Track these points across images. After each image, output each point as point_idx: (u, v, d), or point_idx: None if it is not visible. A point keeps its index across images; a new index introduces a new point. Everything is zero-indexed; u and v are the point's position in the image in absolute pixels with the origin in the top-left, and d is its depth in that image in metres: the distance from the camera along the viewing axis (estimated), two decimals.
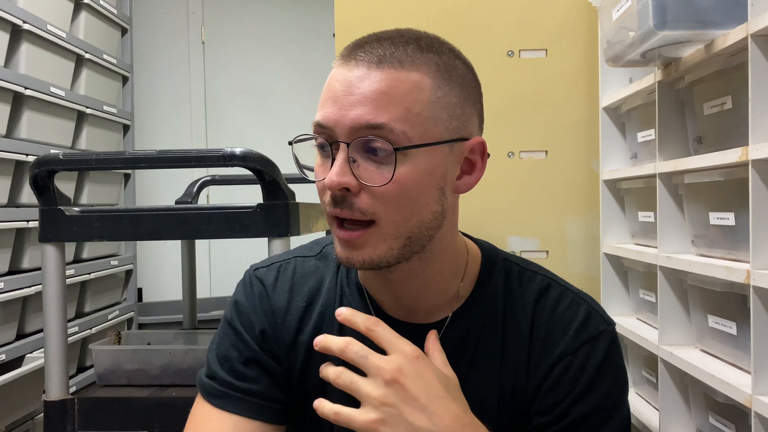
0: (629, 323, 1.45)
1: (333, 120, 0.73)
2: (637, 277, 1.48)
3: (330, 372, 0.73)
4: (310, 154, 0.79)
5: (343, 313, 0.74)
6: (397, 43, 0.75)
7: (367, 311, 0.83)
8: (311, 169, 0.79)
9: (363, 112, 0.72)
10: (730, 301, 1.06)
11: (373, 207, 0.73)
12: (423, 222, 0.75)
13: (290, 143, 0.79)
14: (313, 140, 0.77)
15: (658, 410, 1.27)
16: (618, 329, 0.84)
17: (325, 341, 0.73)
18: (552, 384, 0.79)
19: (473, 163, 0.79)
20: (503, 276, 0.84)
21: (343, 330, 0.83)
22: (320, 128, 0.75)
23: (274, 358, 0.84)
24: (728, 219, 1.06)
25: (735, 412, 1.04)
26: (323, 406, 0.72)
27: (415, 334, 0.81)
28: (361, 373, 0.73)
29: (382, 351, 0.74)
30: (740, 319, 1.04)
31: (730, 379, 1.00)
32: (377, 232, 0.74)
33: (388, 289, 0.82)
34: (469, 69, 0.79)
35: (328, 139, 0.74)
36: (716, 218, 1.10)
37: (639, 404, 1.41)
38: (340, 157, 0.72)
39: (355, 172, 0.72)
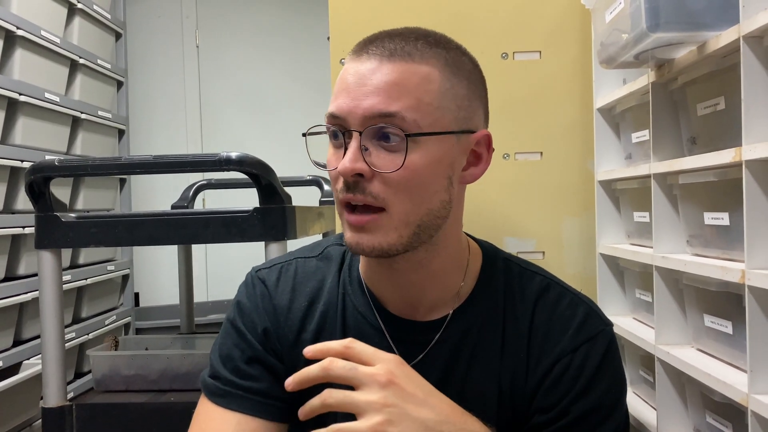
0: (626, 323, 1.46)
1: (346, 110, 0.75)
2: (633, 277, 1.49)
3: (314, 402, 0.71)
4: (319, 148, 0.81)
5: (312, 350, 0.73)
6: (408, 38, 0.78)
7: (369, 308, 0.84)
8: (323, 165, 0.82)
9: (376, 102, 0.74)
10: (726, 301, 1.07)
11: (385, 193, 0.75)
12: (432, 210, 0.77)
13: (304, 135, 0.82)
14: (326, 132, 0.79)
15: (655, 409, 1.28)
16: (615, 329, 0.85)
17: (304, 374, 0.71)
18: (552, 383, 0.80)
19: (479, 155, 0.81)
20: (504, 275, 0.85)
21: (345, 329, 0.83)
22: (333, 119, 0.77)
23: (276, 356, 0.84)
24: (723, 219, 1.07)
25: (732, 411, 1.05)
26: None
27: (417, 331, 0.82)
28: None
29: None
30: (736, 318, 1.04)
31: (727, 378, 1.00)
32: (388, 220, 0.76)
33: (391, 285, 0.83)
34: (475, 65, 0.82)
35: (341, 129, 0.76)
36: (711, 218, 1.11)
37: (636, 403, 1.42)
38: (353, 144, 0.75)
39: (367, 159, 0.75)
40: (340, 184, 0.77)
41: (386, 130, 0.75)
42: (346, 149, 0.75)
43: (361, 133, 0.75)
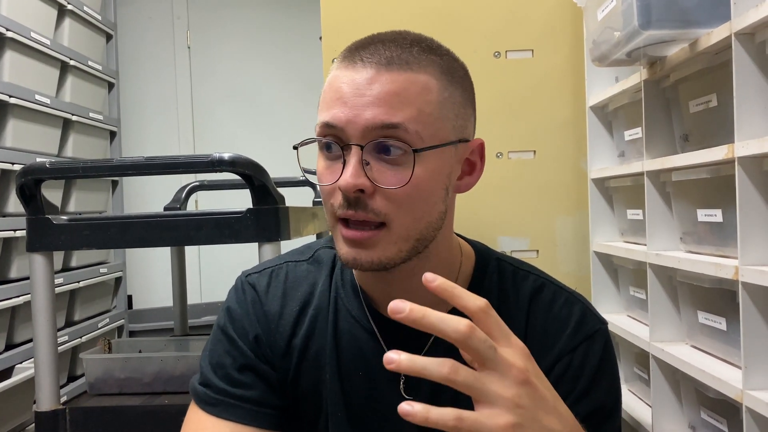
0: (620, 320, 1.46)
1: (344, 121, 0.72)
2: (627, 274, 1.49)
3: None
4: (308, 157, 0.79)
5: (436, 281, 0.59)
6: (402, 44, 0.75)
7: (362, 311, 0.83)
8: (313, 172, 0.79)
9: (378, 113, 0.71)
10: (719, 297, 1.07)
11: (387, 208, 0.73)
12: (431, 223, 0.76)
13: (295, 147, 0.77)
14: (317, 143, 0.75)
15: (650, 406, 1.28)
16: (609, 327, 0.85)
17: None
18: (553, 383, 0.79)
19: (473, 164, 0.81)
20: (497, 276, 0.84)
21: (337, 332, 0.83)
22: (328, 129, 0.73)
23: (268, 363, 0.84)
24: (716, 216, 1.07)
25: (726, 407, 1.05)
26: (427, 411, 0.55)
27: (411, 334, 0.81)
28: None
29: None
30: (729, 314, 1.04)
31: (721, 374, 1.00)
32: (388, 235, 0.74)
33: (384, 289, 0.82)
34: (465, 72, 0.81)
35: (339, 141, 0.73)
36: (704, 215, 1.11)
37: (631, 401, 1.42)
38: (354, 159, 0.71)
39: (368, 174, 0.72)
40: (338, 199, 0.73)
41: (390, 143, 0.72)
42: (344, 163, 0.72)
43: (362, 147, 0.71)
